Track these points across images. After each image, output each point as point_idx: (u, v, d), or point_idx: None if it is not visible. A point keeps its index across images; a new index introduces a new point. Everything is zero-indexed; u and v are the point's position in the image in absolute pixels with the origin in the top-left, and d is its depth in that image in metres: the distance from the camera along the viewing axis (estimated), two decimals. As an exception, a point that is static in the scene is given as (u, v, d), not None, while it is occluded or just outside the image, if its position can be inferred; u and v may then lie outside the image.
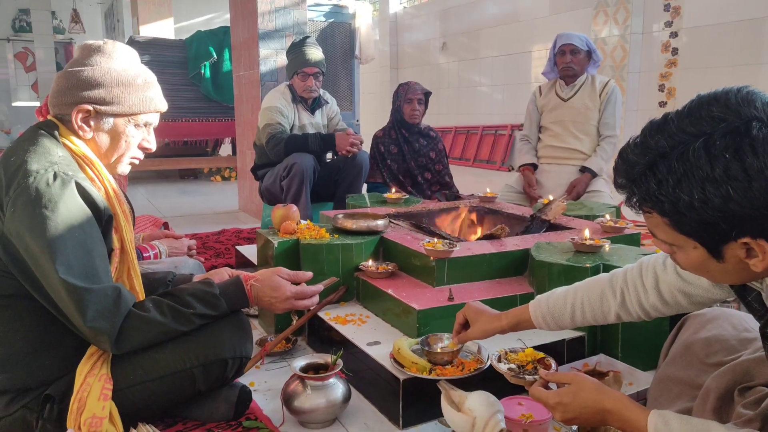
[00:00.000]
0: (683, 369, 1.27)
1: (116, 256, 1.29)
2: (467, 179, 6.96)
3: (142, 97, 1.30)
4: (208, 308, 1.29)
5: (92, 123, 1.27)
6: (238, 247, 2.73)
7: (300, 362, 1.47)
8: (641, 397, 1.49)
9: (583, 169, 3.20)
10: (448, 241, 1.88)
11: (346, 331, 1.71)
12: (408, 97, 3.38)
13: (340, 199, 3.17)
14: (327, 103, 3.40)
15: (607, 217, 2.21)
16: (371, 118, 9.06)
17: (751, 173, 0.76)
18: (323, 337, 1.85)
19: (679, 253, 0.90)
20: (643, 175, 0.84)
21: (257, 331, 2.06)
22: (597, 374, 1.57)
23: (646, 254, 1.84)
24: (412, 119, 3.40)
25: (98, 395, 1.18)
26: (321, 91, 3.36)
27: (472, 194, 3.47)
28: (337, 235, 2.03)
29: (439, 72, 9.04)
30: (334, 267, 1.92)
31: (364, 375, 1.59)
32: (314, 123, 3.31)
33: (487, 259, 1.88)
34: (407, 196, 2.85)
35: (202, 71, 5.95)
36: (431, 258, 1.80)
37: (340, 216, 2.12)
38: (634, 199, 0.88)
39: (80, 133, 1.26)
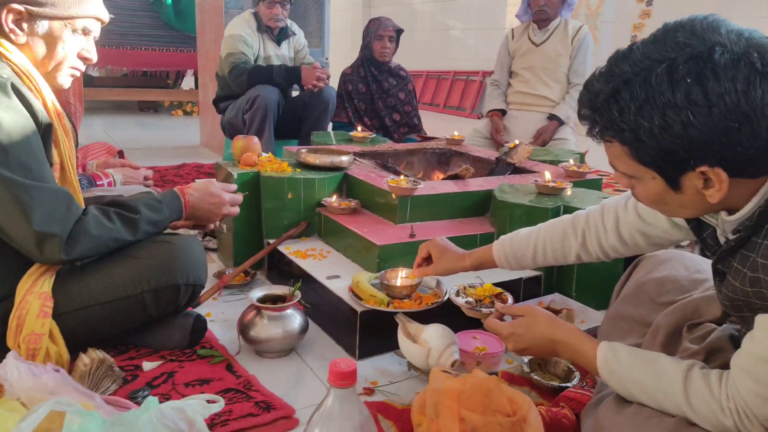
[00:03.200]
0: (635, 307, 1.30)
1: (56, 172, 1.23)
2: (437, 124, 6.90)
3: None
4: (153, 212, 1.28)
5: (25, 26, 1.17)
6: (198, 180, 2.65)
7: (258, 293, 1.45)
8: (592, 334, 1.53)
9: (551, 117, 3.19)
10: (412, 179, 1.86)
11: (306, 265, 1.70)
12: (378, 34, 3.27)
13: (305, 136, 3.10)
14: (294, 34, 3.26)
15: (571, 161, 2.22)
16: (341, 58, 8.81)
17: (712, 98, 0.76)
18: (282, 271, 1.83)
19: (638, 185, 0.90)
20: (605, 103, 0.83)
21: (215, 264, 2.03)
22: (551, 312, 1.60)
23: (606, 197, 1.86)
24: (382, 57, 3.30)
25: (37, 312, 1.15)
26: (288, 22, 3.22)
27: (440, 138, 3.45)
28: (299, 170, 1.98)
29: (413, 13, 8.80)
30: (296, 202, 1.89)
31: (322, 308, 1.59)
32: (280, 55, 3.18)
33: (450, 198, 1.87)
34: (373, 135, 2.80)
35: (163, -3, 5.64)
36: (394, 195, 1.78)
37: (304, 150, 2.07)
38: (596, 129, 0.87)
39: (12, 37, 1.17)
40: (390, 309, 1.38)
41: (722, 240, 0.96)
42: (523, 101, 3.30)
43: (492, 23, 7.35)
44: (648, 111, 0.79)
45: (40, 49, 1.20)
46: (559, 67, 3.23)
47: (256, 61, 3.08)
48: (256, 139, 2.03)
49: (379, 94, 3.39)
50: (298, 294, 1.44)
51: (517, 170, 2.34)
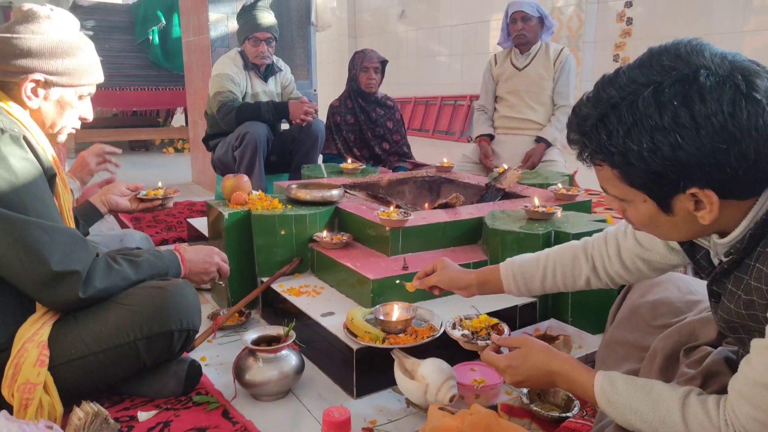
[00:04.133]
0: (630, 331, 1.29)
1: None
2: (426, 150, 6.95)
3: (89, 68, 1.31)
4: (154, 258, 1.33)
5: (41, 93, 1.25)
6: (189, 220, 2.66)
7: (252, 335, 1.44)
8: (590, 360, 1.53)
9: (538, 139, 3.22)
10: (402, 210, 1.86)
11: (300, 302, 1.69)
12: (364, 66, 3.31)
13: (296, 170, 3.11)
14: (281, 70, 3.30)
15: (560, 185, 2.23)
16: (329, 88, 8.90)
17: (699, 120, 0.77)
18: (277, 309, 1.82)
19: (630, 208, 0.91)
20: (594, 127, 0.84)
21: (210, 305, 2.02)
22: (548, 338, 1.60)
23: (598, 221, 1.87)
24: (368, 88, 3.34)
25: (34, 361, 1.15)
26: (274, 58, 3.25)
27: (430, 164, 3.47)
28: (290, 206, 1.98)
29: (398, 41, 8.93)
30: (288, 238, 1.89)
31: (318, 346, 1.57)
32: (267, 91, 3.21)
33: (441, 228, 1.88)
34: (363, 167, 2.81)
35: (151, 37, 5.70)
36: (386, 227, 1.78)
37: (294, 186, 2.07)
38: (586, 153, 0.88)
39: (27, 101, 1.24)
40: (385, 345, 1.37)
41: (716, 262, 0.97)
42: (510, 125, 3.33)
43: (477, 48, 7.46)
44: (636, 134, 0.80)
45: (51, 113, 1.29)
46: (543, 90, 3.27)
47: (244, 98, 3.11)
48: (245, 178, 2.04)
49: (367, 124, 3.42)
50: (293, 334, 1.43)
51: (507, 195, 2.35)
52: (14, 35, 1.22)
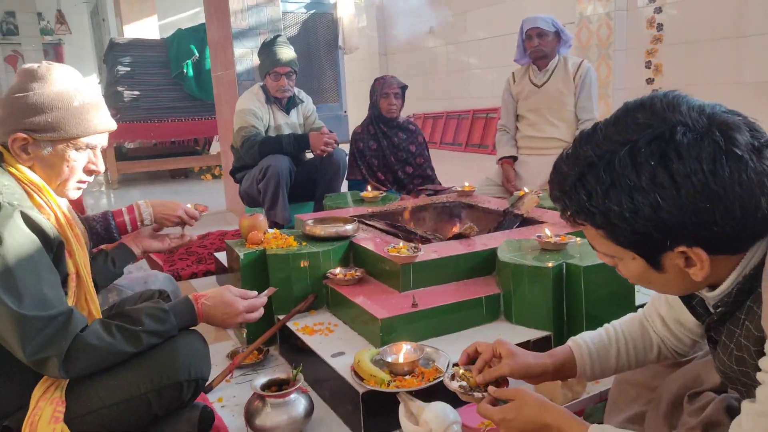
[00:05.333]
0: (640, 371, 1.26)
1: (72, 281, 1.29)
2: (459, 164, 6.93)
3: (80, 120, 1.27)
4: (157, 323, 1.28)
5: (30, 150, 1.25)
6: (216, 254, 2.73)
7: (261, 379, 1.47)
8: (604, 398, 1.49)
9: None
10: (413, 245, 1.87)
11: (313, 342, 1.71)
12: (384, 92, 3.35)
13: (320, 199, 3.16)
14: (302, 102, 3.37)
15: (578, 209, 2.19)
16: (360, 107, 9.00)
17: (678, 179, 0.75)
18: (294, 345, 1.85)
19: (621, 264, 0.89)
20: (573, 187, 0.83)
21: (231, 342, 2.07)
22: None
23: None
24: (389, 114, 3.37)
25: (49, 418, 1.17)
26: (296, 90, 3.33)
27: (453, 187, 3.47)
28: (305, 243, 2.02)
29: (429, 56, 8.96)
30: (302, 275, 1.92)
31: (328, 386, 1.60)
32: (290, 123, 3.29)
33: (453, 261, 1.87)
34: (384, 194, 2.83)
35: (185, 70, 5.92)
36: (397, 263, 1.80)
37: (309, 222, 2.11)
38: (568, 213, 0.87)
39: (19, 160, 1.26)
40: (391, 389, 1.38)
41: (711, 309, 0.94)
42: (532, 145, 3.29)
43: (506, 60, 7.40)
44: (615, 195, 0.78)
45: (45, 169, 1.28)
46: (564, 106, 3.21)
47: (267, 131, 3.19)
48: (261, 217, 2.09)
49: (390, 149, 3.45)
50: (301, 378, 1.46)
51: (526, 221, 2.32)
52: (8, 96, 1.25)
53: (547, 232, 1.85)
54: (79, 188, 1.36)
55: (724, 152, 0.75)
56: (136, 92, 5.90)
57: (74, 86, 1.28)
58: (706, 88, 5.19)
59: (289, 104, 3.28)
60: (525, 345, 1.64)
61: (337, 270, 1.93)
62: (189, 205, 1.86)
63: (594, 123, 0.87)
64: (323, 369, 1.60)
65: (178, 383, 1.30)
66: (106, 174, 6.21)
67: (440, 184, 3.51)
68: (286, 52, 3.13)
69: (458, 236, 2.07)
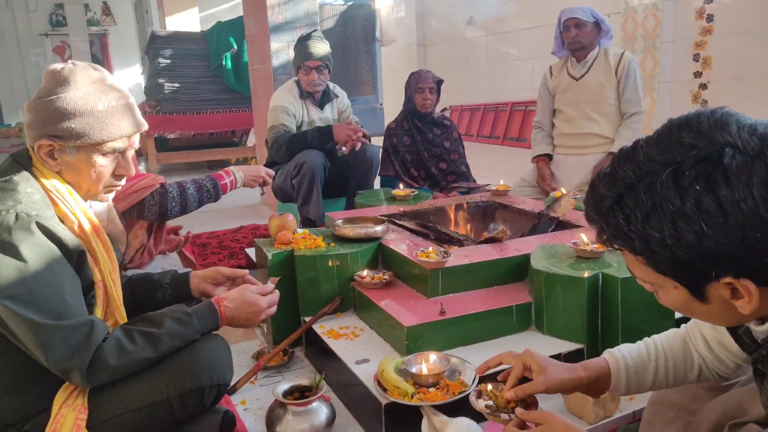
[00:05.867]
0: (678, 392, 1.20)
1: (99, 289, 1.28)
2: (496, 159, 6.81)
3: (105, 124, 1.24)
4: (179, 325, 1.27)
5: (57, 156, 1.24)
6: (247, 250, 2.74)
7: (283, 386, 1.45)
8: (638, 418, 1.42)
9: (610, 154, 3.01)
10: (442, 250, 1.82)
11: (337, 346, 1.69)
12: (419, 87, 3.29)
13: (352, 195, 3.13)
14: (337, 96, 3.34)
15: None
16: (397, 99, 8.92)
17: (726, 206, 0.69)
18: (319, 348, 1.84)
19: (661, 292, 0.83)
20: (611, 210, 0.77)
21: (257, 341, 2.06)
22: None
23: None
24: (424, 108, 3.31)
25: (71, 425, 1.18)
26: (330, 85, 3.30)
27: (487, 184, 3.39)
28: (333, 244, 2.00)
29: (468, 47, 8.81)
30: (329, 277, 1.90)
31: (351, 393, 1.57)
32: (323, 118, 3.26)
33: (484, 267, 1.82)
34: (416, 192, 2.78)
35: (224, 62, 5.97)
36: (426, 268, 1.75)
37: (338, 222, 2.09)
38: (605, 236, 0.82)
39: (47, 166, 1.25)
40: (414, 402, 1.34)
41: (759, 339, 0.87)
42: (570, 144, 3.17)
43: (546, 51, 7.22)
44: (656, 220, 0.73)
45: (73, 174, 1.27)
46: (605, 99, 3.08)
47: (300, 126, 3.17)
48: (291, 217, 2.07)
49: (424, 145, 3.39)
50: (323, 385, 1.44)
51: (561, 224, 2.25)
52: (35, 101, 1.23)
53: (584, 238, 1.78)
54: (109, 192, 1.35)
55: None
56: (176, 84, 5.98)
57: (99, 88, 1.25)
58: (758, 83, 4.94)
59: (323, 99, 3.26)
60: (556, 359, 1.58)
61: (365, 273, 1.90)
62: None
63: (635, 142, 0.81)
64: (347, 375, 1.58)
65: (201, 388, 1.29)
66: (147, 164, 6.34)
67: (474, 181, 3.44)
68: (319, 47, 3.10)
69: (490, 240, 2.01)
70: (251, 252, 2.71)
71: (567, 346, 1.61)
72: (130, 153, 1.35)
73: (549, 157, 3.23)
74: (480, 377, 1.34)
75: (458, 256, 1.82)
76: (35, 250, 1.13)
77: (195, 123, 6.09)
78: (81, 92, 1.22)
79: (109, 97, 1.26)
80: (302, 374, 1.81)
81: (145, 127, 1.34)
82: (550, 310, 1.68)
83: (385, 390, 1.40)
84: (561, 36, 3.14)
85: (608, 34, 3.10)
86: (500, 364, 1.19)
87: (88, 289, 1.24)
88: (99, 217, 1.35)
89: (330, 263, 1.89)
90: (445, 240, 2.34)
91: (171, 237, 2.29)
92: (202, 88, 6.09)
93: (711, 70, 5.24)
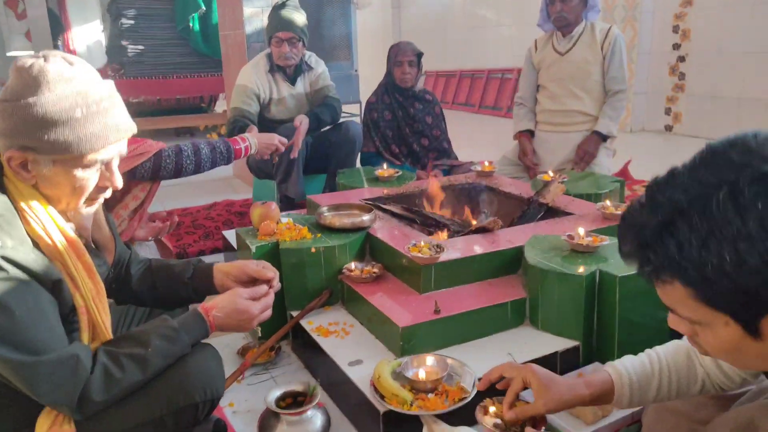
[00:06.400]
0: (682, 401, 1.18)
1: (83, 314, 1.15)
2: (472, 127, 6.75)
3: (84, 134, 1.05)
4: (168, 342, 1.18)
5: (31, 168, 1.08)
6: (224, 233, 2.63)
7: (276, 392, 1.40)
8: (636, 419, 1.42)
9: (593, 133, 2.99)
10: (435, 244, 1.76)
11: (328, 345, 1.63)
12: (397, 60, 3.17)
13: (333, 174, 3.03)
14: (310, 68, 3.17)
15: (608, 202, 2.07)
16: (374, 62, 8.70)
17: None
18: (307, 342, 1.78)
19: (705, 332, 0.77)
20: (659, 238, 0.72)
21: (241, 335, 1.99)
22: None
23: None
24: (403, 83, 3.20)
25: None
26: (306, 55, 3.14)
27: (471, 162, 3.33)
28: (319, 234, 1.92)
29: (444, 10, 8.61)
30: (317, 270, 1.82)
31: (346, 396, 1.52)
32: (295, 94, 3.11)
33: (477, 261, 1.77)
34: (400, 173, 2.70)
35: (191, 24, 5.68)
36: (419, 264, 1.70)
37: (324, 211, 2.00)
38: (648, 268, 0.75)
39: (20, 178, 1.09)
40: (413, 411, 1.30)
41: None
42: (552, 120, 3.12)
43: (526, 17, 7.10)
44: (715, 245, 0.67)
45: (50, 188, 1.10)
46: (590, 76, 3.03)
47: (269, 103, 3.03)
48: (274, 206, 1.97)
49: (405, 120, 3.29)
50: (318, 394, 1.38)
51: (551, 210, 2.21)
52: (1, 102, 1.05)
53: (580, 232, 1.74)
54: (91, 205, 1.18)
55: None
56: (141, 47, 5.69)
57: (76, 90, 1.05)
58: (738, 57, 4.95)
59: (295, 73, 3.10)
60: (552, 357, 1.56)
61: (353, 266, 1.83)
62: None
63: (669, 170, 0.74)
64: (340, 377, 1.53)
65: (194, 404, 1.22)
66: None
67: (456, 158, 3.37)
68: (293, 17, 2.93)
69: (482, 229, 1.96)
70: (229, 235, 2.60)
71: (562, 344, 1.59)
72: (116, 162, 1.16)
73: (531, 134, 3.17)
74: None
75: (451, 250, 1.77)
76: (4, 286, 1.00)
77: (162, 88, 5.83)
78: (54, 96, 1.04)
79: (88, 100, 1.06)
80: (290, 372, 1.76)
81: (134, 130, 1.17)
82: (546, 306, 1.64)
83: (382, 397, 1.35)
84: (547, 9, 3.05)
85: (595, 8, 3.03)
86: (501, 377, 1.16)
87: (70, 314, 1.13)
88: (83, 224, 1.21)
89: (317, 256, 1.82)
90: (432, 224, 2.29)
91: (152, 224, 2.18)
92: (168, 51, 5.80)
93: (690, 42, 5.23)
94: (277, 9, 2.96)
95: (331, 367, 1.57)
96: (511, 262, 1.81)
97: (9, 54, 14.75)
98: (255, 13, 3.65)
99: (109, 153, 1.11)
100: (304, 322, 1.76)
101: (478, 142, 5.96)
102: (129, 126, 1.15)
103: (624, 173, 3.85)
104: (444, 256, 1.71)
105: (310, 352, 1.75)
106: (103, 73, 6.04)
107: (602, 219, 2.02)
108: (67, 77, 1.06)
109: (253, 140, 2.28)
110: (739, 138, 0.71)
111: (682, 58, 5.33)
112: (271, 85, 3.05)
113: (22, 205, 1.08)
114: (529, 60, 3.25)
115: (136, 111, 6.22)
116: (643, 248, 0.74)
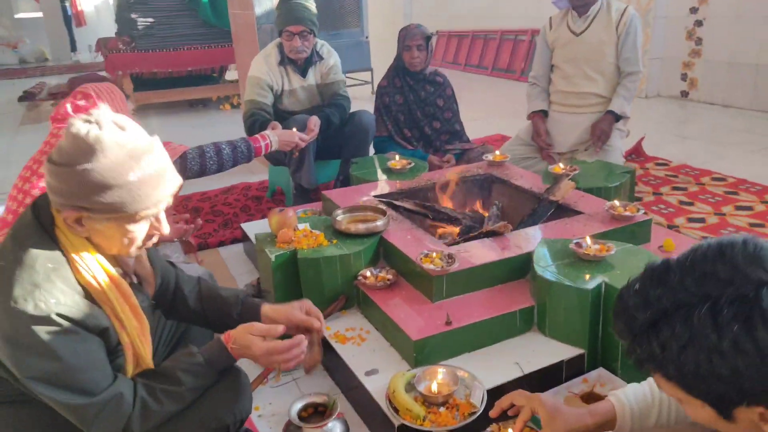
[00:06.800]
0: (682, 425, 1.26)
1: (128, 350, 1.25)
2: (486, 94, 6.67)
3: (138, 195, 1.13)
4: (199, 379, 1.29)
5: (85, 223, 1.15)
6: (243, 226, 2.72)
7: (298, 404, 1.50)
8: (636, 428, 1.51)
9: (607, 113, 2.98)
10: (446, 254, 1.83)
11: (346, 353, 1.73)
12: (406, 44, 3.16)
13: (346, 161, 3.08)
14: (321, 59, 3.17)
15: (617, 203, 2.11)
16: (382, 29, 8.55)
17: (763, 347, 0.71)
18: (325, 345, 1.87)
19: (687, 407, 0.86)
20: (645, 334, 0.80)
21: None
22: (594, 397, 1.58)
23: (652, 258, 1.78)
24: (412, 67, 3.20)
25: None
26: (318, 44, 3.14)
27: (483, 145, 3.35)
28: (335, 241, 1.99)
29: (455, -32, 8.38)
30: (333, 277, 1.91)
31: (362, 404, 1.63)
32: (306, 86, 3.12)
33: (487, 268, 1.84)
34: (412, 164, 2.74)
35: (199, -5, 5.63)
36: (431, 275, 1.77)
37: (339, 217, 2.07)
38: (634, 356, 0.84)
39: (72, 232, 1.17)
40: (426, 427, 1.40)
41: None
42: (566, 102, 3.11)
43: (539, -23, 6.91)
44: (692, 352, 0.75)
45: (102, 240, 1.18)
46: (604, 57, 3.00)
47: (281, 95, 3.06)
48: (291, 212, 2.04)
49: (417, 103, 3.30)
50: (338, 406, 1.48)
51: (561, 208, 2.25)
52: (57, 166, 1.11)
53: (588, 241, 1.80)
54: (138, 251, 1.25)
55: None
56: (150, 19, 5.66)
57: (130, 154, 1.12)
58: (755, 24, 4.82)
59: (306, 65, 3.11)
60: (558, 366, 1.64)
61: (368, 273, 1.91)
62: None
63: (664, 261, 0.80)
64: (357, 385, 1.63)
65: (226, 426, 1.33)
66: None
67: (468, 140, 3.39)
68: (302, 10, 2.91)
69: (491, 233, 2.02)
70: (248, 227, 2.69)
71: (569, 351, 1.67)
72: (164, 212, 1.23)
73: (545, 113, 3.18)
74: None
75: (462, 260, 1.84)
76: (58, 338, 1.10)
77: (173, 60, 5.83)
78: (109, 162, 1.10)
79: (141, 163, 1.13)
80: (312, 379, 1.85)
81: (180, 182, 1.23)
82: (552, 314, 1.72)
83: (396, 410, 1.45)
84: None
85: None
86: (512, 404, 1.24)
87: (116, 346, 1.23)
88: (127, 263, 1.30)
89: (333, 264, 1.90)
90: (444, 219, 2.35)
91: (177, 225, 2.26)
92: (177, 22, 5.77)
93: (708, 6, 5.08)
94: (287, 2, 2.94)
95: (348, 376, 1.67)
96: (520, 267, 1.88)
97: (16, 16, 14.57)
98: (264, -6, 3.61)
99: (159, 207, 1.19)
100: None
101: (492, 106, 5.92)
102: (176, 180, 1.22)
103: (637, 150, 3.86)
104: (456, 267, 1.78)
105: (328, 354, 1.85)
106: (114, 44, 6.03)
107: (611, 220, 2.07)
108: (120, 143, 1.12)
109: (273, 137, 2.37)
110: (728, 249, 0.76)
111: (699, 23, 5.19)
112: (283, 77, 3.07)
113: (73, 255, 1.15)
114: (543, 38, 3.22)
115: (149, 83, 6.26)
116: (633, 338, 0.81)
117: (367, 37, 6.37)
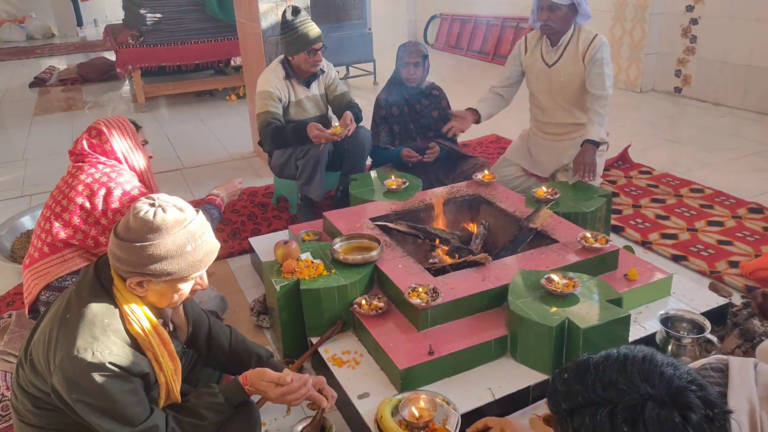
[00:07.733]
0: None
1: (162, 388, 1.51)
2: (486, 77, 6.77)
3: (191, 262, 1.40)
4: (219, 415, 1.56)
5: (145, 285, 1.41)
6: (251, 240, 2.96)
7: (298, 428, 1.76)
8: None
9: (585, 142, 2.98)
10: (431, 288, 2.06)
11: (341, 376, 1.99)
12: (404, 61, 3.34)
13: (346, 174, 3.31)
14: (323, 72, 3.37)
15: (588, 235, 2.33)
16: (384, 21, 8.59)
17: None
18: (324, 364, 2.13)
19: None
20: (565, 417, 1.03)
21: (269, 348, 2.36)
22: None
23: (612, 300, 2.01)
24: (409, 83, 3.39)
25: None
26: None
27: (476, 157, 3.54)
28: (333, 270, 2.23)
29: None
30: (332, 306, 2.16)
31: (355, 422, 1.89)
32: (311, 96, 3.34)
33: (468, 300, 2.08)
34: (407, 183, 2.95)
35: (206, -10, 5.75)
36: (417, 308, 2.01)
37: (337, 248, 2.31)
38: (557, 424, 1.07)
39: (132, 293, 1.43)
40: (409, 453, 1.67)
41: None
42: (546, 130, 3.25)
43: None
44: None
45: (156, 297, 1.45)
46: (576, 90, 3.05)
47: (288, 106, 3.27)
48: (294, 245, 2.28)
49: (411, 116, 3.49)
50: (334, 430, 1.74)
51: (539, 234, 2.48)
52: (126, 242, 1.36)
53: (555, 278, 2.03)
54: (181, 302, 1.54)
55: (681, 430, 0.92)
56: (158, 14, 5.80)
57: (187, 230, 1.39)
58: (749, 24, 4.92)
59: (309, 78, 3.31)
60: (525, 391, 1.90)
61: (363, 301, 2.16)
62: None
63: (586, 359, 1.03)
64: (351, 405, 1.89)
65: None
66: (135, 97, 6.30)
67: (459, 149, 3.57)
68: (314, 27, 3.18)
69: (473, 263, 2.25)
70: (255, 243, 2.93)
71: (535, 378, 1.92)
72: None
73: (478, 114, 3.22)
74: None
75: (445, 293, 2.07)
76: (111, 381, 1.36)
77: (181, 54, 5.99)
78: (172, 238, 1.36)
79: (195, 236, 1.41)
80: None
81: (219, 246, 1.50)
82: (522, 344, 1.96)
83: (384, 434, 1.72)
84: (537, 11, 3.01)
85: (585, 16, 2.97)
86: (486, 426, 1.52)
87: (153, 384, 1.48)
88: (166, 312, 1.56)
89: (331, 293, 2.14)
90: (434, 238, 2.59)
91: None
92: (185, 17, 5.92)
93: (704, 5, 5.17)
94: (299, 25, 3.13)
95: (343, 395, 1.93)
96: (498, 297, 2.12)
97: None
98: (270, 9, 3.76)
99: (204, 268, 1.48)
100: (321, 349, 2.12)
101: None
102: (217, 246, 1.49)
103: (623, 157, 4.04)
104: (439, 301, 2.02)
105: (326, 372, 2.11)
106: (123, 39, 6.19)
107: (582, 250, 2.30)
108: (181, 222, 1.40)
109: (222, 193, 2.51)
110: (629, 363, 0.99)
111: (694, 21, 5.29)
112: (289, 90, 3.27)
113: (126, 309, 1.42)
114: (517, 57, 3.25)
115: (158, 74, 6.43)
116: (557, 415, 1.05)
117: (370, 29, 6.49)
